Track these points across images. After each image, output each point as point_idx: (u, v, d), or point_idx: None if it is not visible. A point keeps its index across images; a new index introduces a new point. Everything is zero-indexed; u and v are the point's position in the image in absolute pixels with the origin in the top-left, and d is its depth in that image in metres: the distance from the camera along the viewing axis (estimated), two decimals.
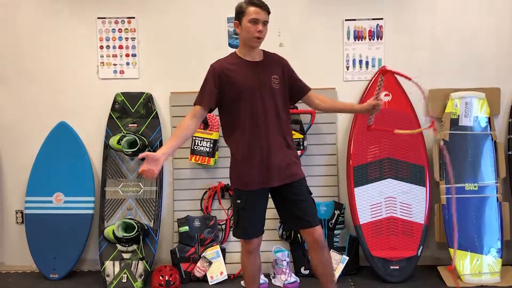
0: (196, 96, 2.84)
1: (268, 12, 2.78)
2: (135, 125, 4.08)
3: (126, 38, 4.15)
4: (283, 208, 2.91)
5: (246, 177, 2.80)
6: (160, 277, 3.64)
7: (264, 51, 2.92)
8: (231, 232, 4.03)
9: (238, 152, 2.82)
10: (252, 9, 2.74)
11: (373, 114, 2.99)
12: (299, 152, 3.79)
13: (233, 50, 4.05)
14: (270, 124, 2.79)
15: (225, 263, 3.88)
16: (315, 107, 3.04)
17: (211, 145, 3.95)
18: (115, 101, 4.11)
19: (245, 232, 2.88)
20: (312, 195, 2.92)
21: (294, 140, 3.66)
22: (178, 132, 2.77)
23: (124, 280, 3.76)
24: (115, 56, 4.16)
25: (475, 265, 3.70)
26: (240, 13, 2.79)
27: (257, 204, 2.86)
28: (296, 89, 2.94)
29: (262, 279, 3.69)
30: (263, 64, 2.86)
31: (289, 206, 2.86)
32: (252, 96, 2.77)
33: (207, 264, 3.85)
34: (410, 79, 2.91)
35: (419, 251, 3.80)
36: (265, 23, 2.77)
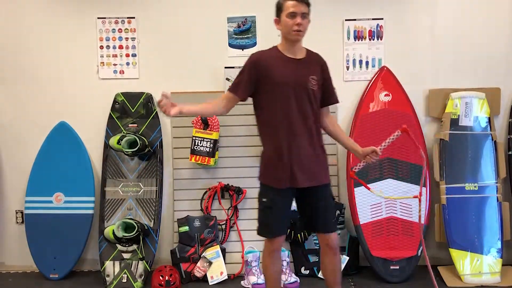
0: (231, 84, 2.86)
1: (307, 4, 2.75)
2: (135, 125, 4.08)
3: (126, 38, 4.15)
4: (305, 209, 2.90)
5: (276, 174, 2.77)
6: (160, 277, 3.64)
7: (308, 50, 2.88)
8: (231, 232, 4.04)
9: (270, 149, 2.80)
10: (289, 3, 2.72)
11: (365, 163, 2.96)
12: None
13: (233, 50, 4.14)
14: (304, 125, 2.77)
15: (225, 263, 3.88)
16: (321, 123, 2.94)
17: (211, 145, 3.95)
18: (115, 101, 4.11)
19: (270, 230, 2.86)
20: (334, 201, 2.92)
21: None
22: (205, 104, 2.81)
23: (124, 280, 3.76)
24: (115, 56, 4.16)
25: (475, 265, 3.70)
26: (279, 9, 2.78)
27: (283, 203, 2.83)
28: (325, 94, 2.89)
29: (262, 279, 3.68)
30: (303, 62, 2.82)
31: (310, 208, 2.85)
32: (287, 94, 2.75)
33: (207, 264, 3.85)
34: (419, 149, 2.99)
35: (419, 251, 3.80)
36: (304, 15, 2.73)
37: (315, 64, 2.86)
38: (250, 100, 2.90)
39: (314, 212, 2.84)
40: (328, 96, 2.92)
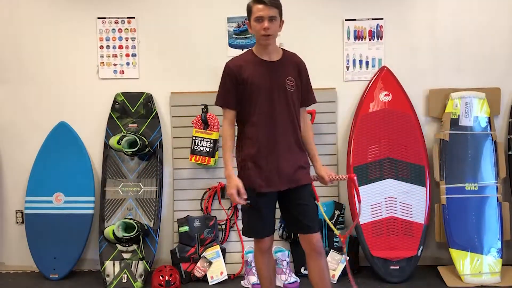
0: (216, 96, 2.86)
1: (276, 6, 2.70)
2: (135, 125, 4.08)
3: (126, 38, 4.15)
4: (286, 211, 2.89)
5: (255, 180, 2.75)
6: (160, 277, 3.64)
7: (284, 50, 2.86)
8: (231, 232, 4.04)
9: (248, 152, 2.78)
10: (256, 7, 2.70)
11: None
12: None
13: (233, 50, 4.14)
14: (282, 127, 2.76)
15: (225, 263, 3.88)
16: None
17: (211, 145, 3.95)
18: (115, 101, 4.11)
19: (256, 231, 2.87)
20: (316, 202, 2.90)
21: None
22: (230, 143, 2.78)
23: (124, 280, 3.76)
24: (115, 56, 4.16)
25: (475, 265, 3.70)
26: (248, 12, 2.76)
27: (266, 205, 2.82)
28: (303, 95, 2.87)
29: None
30: (279, 64, 2.80)
31: (291, 209, 2.84)
32: (264, 97, 2.74)
33: (207, 264, 3.85)
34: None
35: (419, 251, 3.80)
36: (272, 18, 2.69)
37: (292, 65, 2.84)
38: None
39: (296, 213, 2.81)
40: (306, 97, 2.90)
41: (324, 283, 2.83)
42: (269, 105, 2.74)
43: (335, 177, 2.90)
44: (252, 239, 2.93)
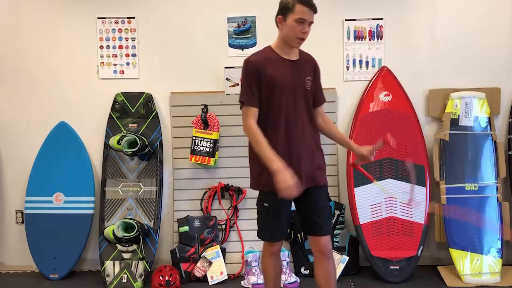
0: (240, 93, 2.72)
1: (315, 12, 2.67)
2: (135, 125, 4.08)
3: (126, 38, 4.15)
4: (301, 210, 2.85)
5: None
6: (160, 277, 3.64)
7: (299, 49, 2.82)
8: (231, 232, 4.04)
9: None
10: (301, 8, 2.62)
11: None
12: None
13: (233, 50, 4.14)
14: (303, 126, 2.73)
15: (225, 263, 3.88)
16: (317, 123, 2.89)
17: (211, 145, 3.95)
18: (115, 101, 4.11)
19: (272, 234, 2.81)
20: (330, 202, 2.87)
21: None
22: (263, 138, 2.63)
23: (124, 280, 3.76)
24: (115, 56, 4.16)
25: (475, 265, 3.70)
26: (286, 8, 2.66)
27: (284, 206, 2.77)
28: (316, 94, 2.85)
29: (262, 279, 3.69)
30: (299, 63, 2.77)
31: (306, 209, 2.80)
32: (286, 96, 2.68)
33: (207, 264, 3.85)
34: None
35: (419, 251, 3.80)
36: (310, 24, 2.67)
37: (309, 65, 2.83)
38: None
39: (312, 214, 2.79)
40: (319, 97, 2.89)
41: (329, 286, 2.80)
42: (291, 104, 2.69)
43: (373, 147, 2.82)
44: (258, 240, 2.90)
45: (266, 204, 2.77)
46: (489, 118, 3.93)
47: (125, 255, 3.85)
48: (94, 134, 4.13)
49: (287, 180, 2.50)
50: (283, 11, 2.69)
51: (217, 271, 3.83)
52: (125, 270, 3.79)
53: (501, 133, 4.06)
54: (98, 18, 4.14)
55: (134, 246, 3.86)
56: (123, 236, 3.74)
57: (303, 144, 2.73)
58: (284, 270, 3.73)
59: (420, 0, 4.08)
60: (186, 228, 3.93)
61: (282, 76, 2.69)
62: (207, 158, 3.96)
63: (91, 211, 4.03)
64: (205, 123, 3.99)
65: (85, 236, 4.00)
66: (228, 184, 4.03)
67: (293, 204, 2.89)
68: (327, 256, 2.79)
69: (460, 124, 3.91)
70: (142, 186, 4.03)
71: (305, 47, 4.25)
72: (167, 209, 4.13)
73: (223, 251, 3.94)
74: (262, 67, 2.68)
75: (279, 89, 2.68)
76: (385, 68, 4.05)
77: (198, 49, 4.11)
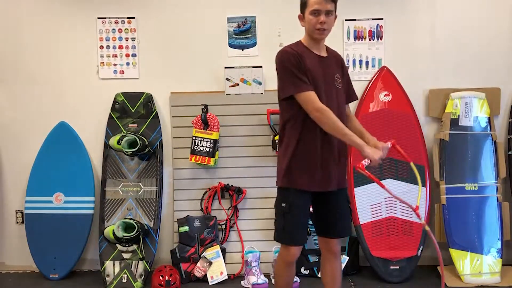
0: (281, 90, 2.63)
1: (333, 0, 2.60)
2: (135, 125, 4.08)
3: (126, 38, 4.15)
4: (325, 214, 2.76)
5: (307, 176, 2.62)
6: (160, 277, 3.64)
7: (327, 47, 2.77)
8: (231, 232, 4.04)
9: (302, 149, 2.62)
10: (313, 0, 2.59)
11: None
12: None
13: (233, 50, 4.14)
14: None
15: (225, 263, 3.88)
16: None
17: (211, 145, 3.95)
18: (115, 101, 4.11)
19: (292, 238, 2.69)
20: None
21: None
22: (341, 124, 2.56)
23: (124, 280, 3.76)
24: (115, 56, 4.16)
25: (475, 265, 3.70)
26: (303, 4, 2.65)
27: (305, 208, 2.70)
28: (347, 92, 2.80)
29: (262, 279, 3.69)
30: (328, 60, 2.71)
31: (326, 211, 2.74)
32: (322, 92, 2.59)
33: (207, 264, 3.85)
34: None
35: (419, 251, 3.80)
36: (328, 13, 2.59)
37: (337, 62, 2.77)
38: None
39: (332, 218, 2.74)
40: (350, 94, 2.84)
41: (334, 285, 2.81)
42: (326, 101, 2.59)
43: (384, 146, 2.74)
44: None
45: (283, 204, 2.68)
46: (489, 118, 3.93)
47: (125, 255, 3.85)
48: (94, 134, 4.13)
49: (377, 152, 2.62)
50: (301, 8, 2.69)
51: (217, 271, 3.83)
52: (125, 270, 3.79)
53: (501, 133, 4.07)
54: (98, 18, 4.13)
55: (134, 246, 3.86)
56: (123, 236, 3.74)
57: (336, 144, 2.66)
58: None
59: (420, 0, 4.08)
60: (186, 228, 3.93)
61: (317, 71, 2.63)
62: (207, 158, 3.96)
63: (91, 211, 4.03)
64: (205, 123, 3.99)
65: (85, 236, 4.00)
66: (228, 184, 4.03)
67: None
68: (336, 255, 2.79)
69: (460, 124, 3.91)
70: (142, 186, 4.03)
71: None
72: (167, 209, 4.13)
73: (223, 251, 3.94)
74: (301, 57, 2.61)
75: (316, 83, 2.60)
76: (385, 68, 4.05)
77: (198, 49, 4.11)
